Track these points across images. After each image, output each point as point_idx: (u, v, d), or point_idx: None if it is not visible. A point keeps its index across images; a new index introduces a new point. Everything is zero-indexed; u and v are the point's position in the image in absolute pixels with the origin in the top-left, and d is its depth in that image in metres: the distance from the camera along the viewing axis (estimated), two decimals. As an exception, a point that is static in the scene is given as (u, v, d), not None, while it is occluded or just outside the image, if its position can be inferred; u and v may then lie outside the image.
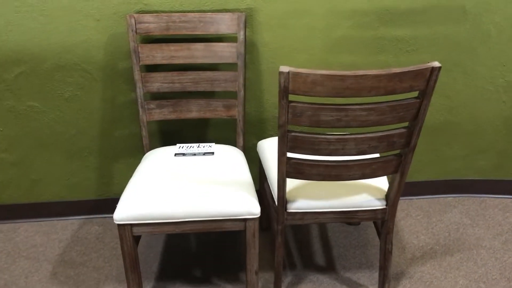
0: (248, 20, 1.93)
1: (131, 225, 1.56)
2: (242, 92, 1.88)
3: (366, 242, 2.07)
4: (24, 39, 1.90)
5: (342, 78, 1.27)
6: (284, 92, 1.31)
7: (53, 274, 1.91)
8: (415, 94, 1.38)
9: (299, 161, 1.47)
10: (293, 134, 1.40)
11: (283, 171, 1.49)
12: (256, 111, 2.10)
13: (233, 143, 2.02)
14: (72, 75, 1.98)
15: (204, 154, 1.82)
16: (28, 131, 2.06)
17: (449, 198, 2.38)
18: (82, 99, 2.02)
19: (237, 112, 1.91)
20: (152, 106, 1.89)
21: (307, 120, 1.37)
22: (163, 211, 1.53)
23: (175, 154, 1.82)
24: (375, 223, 1.82)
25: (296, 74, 1.28)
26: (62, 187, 2.19)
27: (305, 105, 1.34)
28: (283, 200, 1.57)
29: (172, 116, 1.91)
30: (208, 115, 1.92)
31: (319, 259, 1.98)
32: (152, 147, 1.94)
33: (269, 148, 1.88)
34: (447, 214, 2.26)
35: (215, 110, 1.92)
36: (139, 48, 1.82)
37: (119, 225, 1.55)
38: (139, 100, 1.86)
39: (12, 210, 2.21)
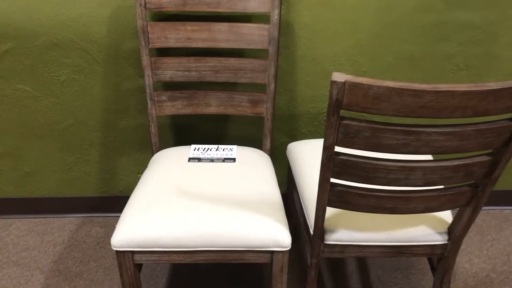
0: (284, -5, 1.57)
1: (132, 252, 1.27)
2: (272, 85, 1.54)
3: (409, 264, 1.76)
4: (11, 11, 1.57)
5: (418, 93, 0.93)
6: (335, 106, 0.97)
7: (45, 286, 1.65)
8: (506, 114, 1.03)
9: (346, 190, 1.15)
10: (341, 157, 1.07)
11: (325, 200, 1.17)
12: (287, 105, 1.76)
13: (258, 145, 1.70)
14: (69, 55, 1.65)
15: (224, 160, 1.51)
16: (18, 119, 1.76)
17: (507, 210, 2.04)
18: (81, 84, 1.70)
19: (265, 109, 1.57)
20: (163, 98, 1.56)
21: (363, 143, 1.03)
22: (172, 238, 1.23)
23: (189, 159, 1.51)
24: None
25: (354, 86, 0.94)
26: (59, 182, 1.90)
27: (362, 124, 1.00)
28: (321, 231, 1.26)
29: (187, 111, 1.59)
30: (229, 111, 1.59)
31: (355, 283, 1.68)
32: (162, 146, 1.63)
33: (302, 155, 1.56)
34: (505, 231, 1.93)
35: (239, 106, 1.59)
36: (148, 27, 1.48)
37: (117, 251, 1.27)
38: (148, 90, 1.54)
39: (3, 204, 1.94)
